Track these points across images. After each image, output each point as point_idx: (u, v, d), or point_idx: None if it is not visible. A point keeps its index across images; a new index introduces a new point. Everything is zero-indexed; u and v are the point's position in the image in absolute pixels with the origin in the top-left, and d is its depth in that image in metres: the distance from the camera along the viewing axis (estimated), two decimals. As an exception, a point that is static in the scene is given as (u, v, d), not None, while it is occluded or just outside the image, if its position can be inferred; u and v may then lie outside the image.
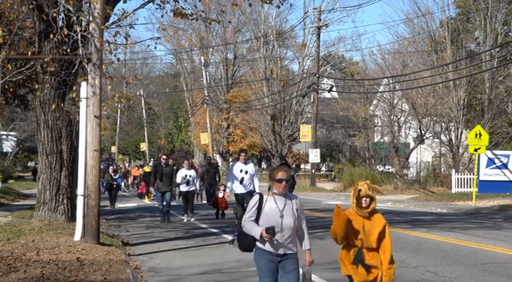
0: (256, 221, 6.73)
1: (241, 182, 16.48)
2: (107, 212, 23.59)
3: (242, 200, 16.36)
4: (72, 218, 15.47)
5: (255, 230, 6.67)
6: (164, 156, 21.31)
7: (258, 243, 6.75)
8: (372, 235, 6.94)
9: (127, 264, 10.88)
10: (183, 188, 20.59)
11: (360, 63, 56.64)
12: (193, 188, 21.05)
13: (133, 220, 21.53)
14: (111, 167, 29.64)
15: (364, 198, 6.90)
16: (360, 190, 6.89)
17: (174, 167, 22.51)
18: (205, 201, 28.13)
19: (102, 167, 33.73)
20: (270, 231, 6.55)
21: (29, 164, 67.09)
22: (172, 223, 19.75)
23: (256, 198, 6.84)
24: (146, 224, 20.02)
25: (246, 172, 16.51)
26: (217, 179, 25.77)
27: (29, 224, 15.59)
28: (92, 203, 12.99)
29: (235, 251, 13.41)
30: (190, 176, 20.65)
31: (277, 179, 6.74)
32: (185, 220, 20.26)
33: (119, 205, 27.78)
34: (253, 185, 16.53)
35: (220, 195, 20.63)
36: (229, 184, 16.91)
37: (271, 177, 6.80)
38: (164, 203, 20.01)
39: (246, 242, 6.83)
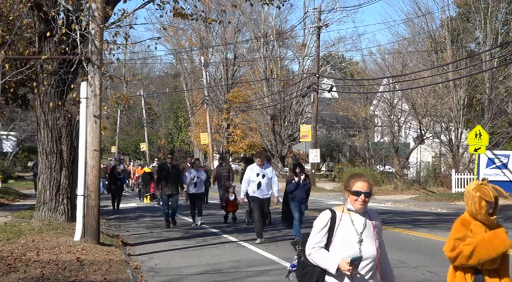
0: (326, 247, 5.06)
1: (259, 187, 14.81)
2: (107, 212, 23.58)
3: (260, 204, 14.81)
4: (72, 218, 15.46)
5: (329, 261, 4.96)
6: (170, 156, 19.56)
7: (328, 279, 5.05)
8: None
9: (127, 264, 10.88)
10: (191, 189, 19.03)
11: (360, 63, 56.76)
12: (201, 191, 19.46)
13: (133, 220, 21.51)
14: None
15: (492, 203, 5.31)
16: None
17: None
18: (210, 201, 27.84)
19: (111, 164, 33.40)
20: (356, 262, 4.87)
21: (29, 164, 67.05)
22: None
23: (326, 216, 5.11)
24: (146, 224, 20.00)
25: (264, 176, 14.82)
26: (231, 180, 24.22)
27: (29, 224, 15.60)
28: (92, 203, 12.99)
29: (235, 251, 13.45)
30: (199, 178, 19.14)
31: (354, 191, 5.08)
32: (194, 224, 18.85)
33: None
34: (273, 191, 14.95)
35: (231, 197, 19.19)
36: (243, 190, 15.25)
37: (346, 186, 5.17)
38: (170, 208, 18.49)
39: (311, 277, 5.08)
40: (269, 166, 15.33)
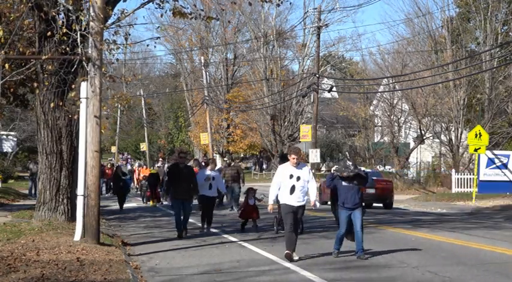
0: None
1: (292, 191, 11.93)
2: (107, 212, 23.59)
3: (293, 213, 12.01)
4: (72, 218, 15.46)
5: None
6: (182, 154, 16.66)
7: None
8: None
9: (127, 264, 10.88)
10: (206, 192, 16.73)
11: (360, 63, 56.82)
12: (215, 194, 17.45)
13: (133, 220, 21.52)
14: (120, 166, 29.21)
15: None
16: None
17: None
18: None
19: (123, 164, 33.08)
20: None
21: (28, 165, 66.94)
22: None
23: None
24: (146, 224, 19.99)
25: (299, 178, 11.95)
26: (241, 182, 23.20)
27: (29, 224, 15.60)
28: (92, 203, 12.98)
29: (235, 251, 13.45)
30: (213, 179, 17.03)
31: None
32: (205, 230, 17.03)
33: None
34: (309, 195, 12.21)
35: (251, 202, 17.05)
36: (272, 195, 12.19)
37: None
38: (182, 215, 15.81)
39: None
40: (305, 166, 12.42)
